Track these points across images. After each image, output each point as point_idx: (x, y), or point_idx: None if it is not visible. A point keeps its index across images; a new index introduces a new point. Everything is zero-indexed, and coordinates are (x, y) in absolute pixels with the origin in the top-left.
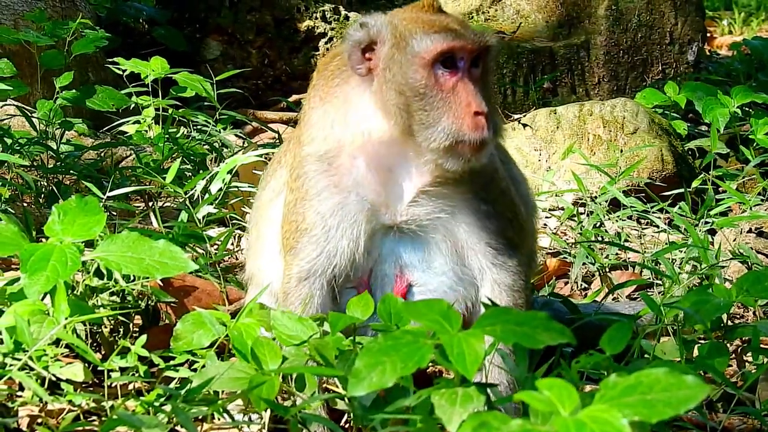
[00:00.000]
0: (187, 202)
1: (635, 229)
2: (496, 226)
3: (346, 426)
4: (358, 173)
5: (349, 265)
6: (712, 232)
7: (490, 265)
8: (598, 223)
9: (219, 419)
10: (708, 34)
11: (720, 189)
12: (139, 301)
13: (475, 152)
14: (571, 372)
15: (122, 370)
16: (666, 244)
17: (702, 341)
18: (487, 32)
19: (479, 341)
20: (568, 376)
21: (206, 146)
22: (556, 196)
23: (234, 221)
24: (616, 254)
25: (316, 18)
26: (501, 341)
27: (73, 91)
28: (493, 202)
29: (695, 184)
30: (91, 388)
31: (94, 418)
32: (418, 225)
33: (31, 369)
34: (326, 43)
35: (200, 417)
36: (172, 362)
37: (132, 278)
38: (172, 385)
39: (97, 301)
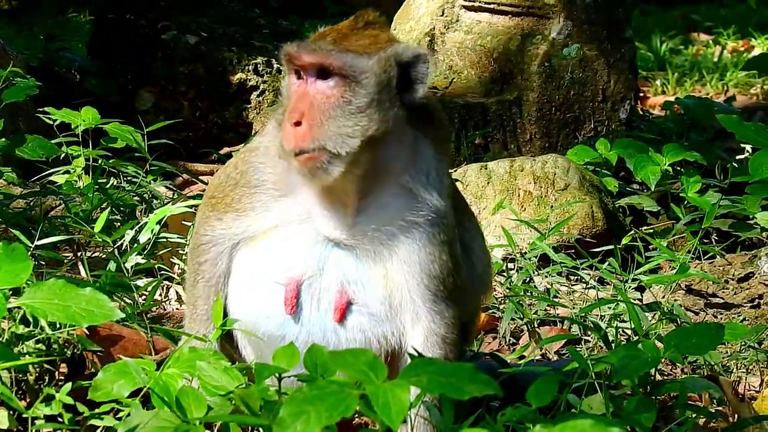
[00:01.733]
0: (116, 252)
1: (564, 286)
2: (438, 272)
3: None
4: (297, 179)
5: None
6: (642, 289)
7: (427, 312)
8: (528, 279)
9: None
10: (641, 94)
11: (650, 246)
12: (65, 349)
13: (304, 165)
14: (496, 425)
15: (47, 418)
16: (595, 300)
17: (629, 397)
18: (346, 53)
19: (404, 392)
20: (492, 428)
21: (136, 197)
22: None
23: (162, 272)
24: (545, 310)
25: (249, 71)
26: (426, 391)
27: (3, 139)
28: (440, 246)
29: (625, 240)
30: None
31: None
32: (361, 245)
33: None
34: (258, 95)
35: None
36: (97, 410)
37: (58, 326)
38: None
39: (22, 348)
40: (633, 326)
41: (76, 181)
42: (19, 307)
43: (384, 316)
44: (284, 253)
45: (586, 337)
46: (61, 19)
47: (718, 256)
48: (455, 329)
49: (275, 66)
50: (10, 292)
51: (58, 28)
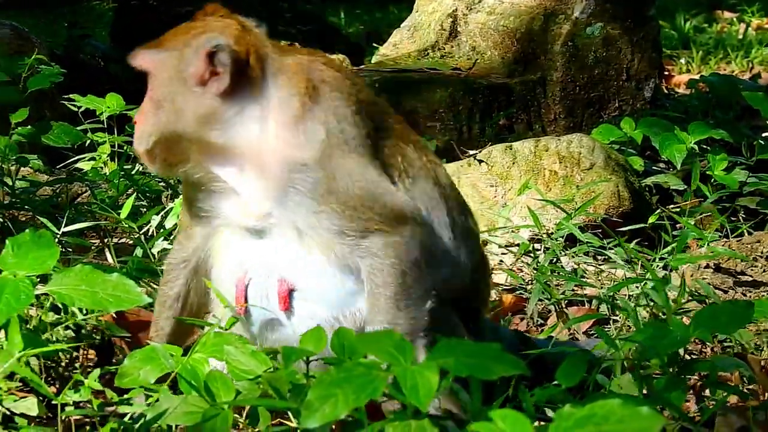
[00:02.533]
0: (142, 238)
1: (592, 265)
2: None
3: None
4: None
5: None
6: (669, 268)
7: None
8: (555, 259)
9: None
10: (666, 72)
11: (677, 225)
12: (94, 336)
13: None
14: (526, 403)
15: (76, 404)
16: (623, 279)
17: (659, 376)
18: (148, 51)
19: (433, 373)
20: (526, 405)
21: (162, 182)
22: (512, 232)
23: None
24: (573, 290)
25: None
26: (455, 373)
27: (29, 127)
28: (333, 195)
29: (652, 219)
30: (45, 423)
31: None
32: (277, 228)
33: None
34: None
35: None
36: (125, 396)
37: (85, 312)
38: (126, 419)
39: (51, 335)
40: (661, 305)
41: (102, 168)
42: (46, 294)
43: (333, 288)
44: (227, 256)
45: (615, 317)
46: (84, 7)
47: (746, 234)
48: (393, 262)
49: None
50: (38, 279)
51: (82, 15)
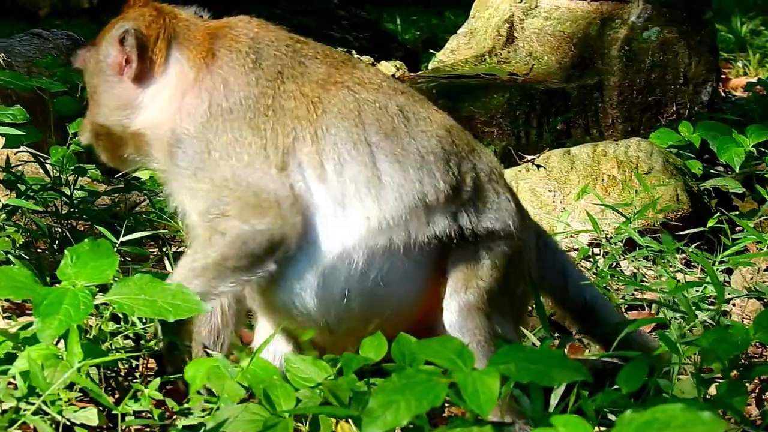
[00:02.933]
0: None
1: (651, 270)
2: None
3: None
4: None
5: None
6: (729, 271)
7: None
8: (614, 264)
9: None
10: (723, 76)
11: (737, 228)
12: (153, 345)
13: None
14: (587, 408)
15: (137, 414)
16: (682, 283)
17: (720, 380)
18: (80, 51)
19: (494, 380)
20: (587, 410)
21: None
22: (570, 237)
23: None
24: (632, 294)
25: None
26: (516, 379)
27: None
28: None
29: (711, 223)
30: None
31: None
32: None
33: (45, 413)
34: None
35: None
36: (186, 405)
37: (145, 321)
38: (186, 428)
39: (110, 344)
40: (722, 308)
41: None
42: (106, 304)
43: None
44: None
45: (675, 320)
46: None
47: None
48: (211, 231)
49: (355, 56)
50: (97, 288)
51: None
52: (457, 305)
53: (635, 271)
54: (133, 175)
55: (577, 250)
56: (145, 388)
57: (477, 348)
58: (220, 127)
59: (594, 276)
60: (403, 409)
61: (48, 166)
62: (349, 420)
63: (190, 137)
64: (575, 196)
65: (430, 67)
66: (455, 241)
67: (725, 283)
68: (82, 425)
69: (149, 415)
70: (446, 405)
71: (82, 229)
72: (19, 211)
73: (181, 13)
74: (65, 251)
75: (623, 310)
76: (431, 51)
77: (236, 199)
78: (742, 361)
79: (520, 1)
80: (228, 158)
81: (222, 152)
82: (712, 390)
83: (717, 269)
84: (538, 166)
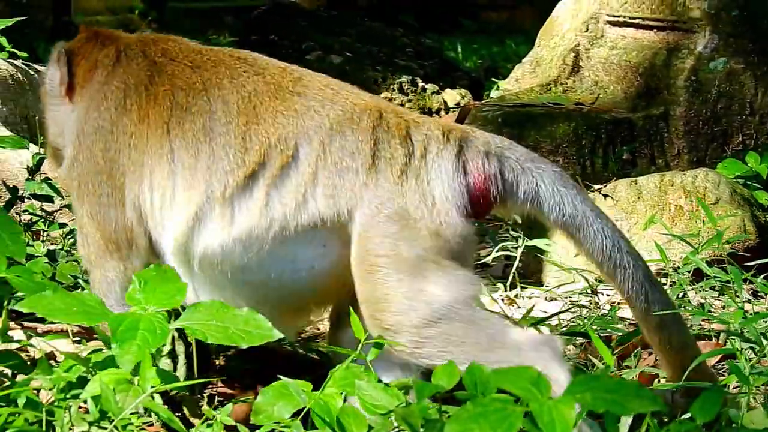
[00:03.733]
0: None
1: (719, 300)
2: None
3: None
4: None
5: None
6: None
7: None
8: (682, 294)
9: None
10: None
11: None
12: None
13: None
14: None
15: None
16: (751, 314)
17: None
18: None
19: (570, 408)
20: None
21: None
22: None
23: None
24: (700, 324)
25: (393, 89)
26: (592, 408)
27: None
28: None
29: None
30: None
31: None
32: None
33: None
34: None
35: None
36: (257, 431)
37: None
38: None
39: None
40: None
41: None
42: (179, 329)
43: None
44: None
45: (744, 351)
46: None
47: None
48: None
49: (420, 84)
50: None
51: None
52: None
53: (702, 301)
54: None
55: None
56: (217, 413)
57: None
58: (85, 158)
59: None
60: None
61: None
62: None
63: (66, 170)
64: (642, 225)
65: (494, 96)
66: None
67: None
68: None
69: None
70: None
71: None
72: None
73: (119, 36)
74: (133, 276)
75: None
76: (493, 79)
77: (90, 244)
78: None
79: (586, 31)
80: (85, 195)
81: (83, 188)
82: None
83: None
84: (605, 196)
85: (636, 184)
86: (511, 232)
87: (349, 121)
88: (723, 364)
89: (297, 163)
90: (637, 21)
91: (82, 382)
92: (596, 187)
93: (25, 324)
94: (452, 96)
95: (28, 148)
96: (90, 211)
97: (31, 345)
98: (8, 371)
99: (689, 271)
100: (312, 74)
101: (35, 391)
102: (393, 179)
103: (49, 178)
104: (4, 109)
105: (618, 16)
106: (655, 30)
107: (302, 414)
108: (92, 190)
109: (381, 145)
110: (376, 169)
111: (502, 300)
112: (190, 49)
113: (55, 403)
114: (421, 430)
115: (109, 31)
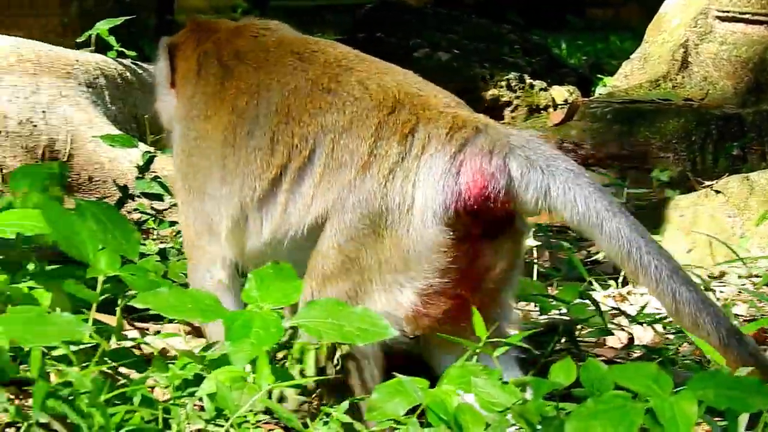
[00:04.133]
0: None
1: None
2: None
3: None
4: None
5: None
6: None
7: None
8: None
9: None
10: None
11: None
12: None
13: None
14: None
15: None
16: None
17: None
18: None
19: (691, 405)
20: None
21: None
22: (751, 263)
23: None
24: None
25: (501, 86)
26: (713, 405)
27: None
28: None
29: None
30: None
31: None
32: None
33: None
34: (511, 111)
35: None
36: (373, 429)
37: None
38: None
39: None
40: None
41: None
42: (293, 327)
43: None
44: None
45: None
46: None
47: None
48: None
49: (528, 81)
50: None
51: None
52: None
53: None
54: None
55: (757, 276)
56: (334, 411)
57: None
58: (184, 147)
59: None
60: None
61: None
62: None
63: (175, 159)
64: (755, 221)
65: (603, 92)
66: None
67: None
68: None
69: None
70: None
71: None
72: None
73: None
74: (249, 274)
75: None
76: (598, 75)
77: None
78: None
79: (695, 26)
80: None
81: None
82: None
83: None
84: (717, 192)
85: (748, 180)
86: None
87: (360, 117)
88: None
89: (311, 163)
90: (746, 16)
91: (198, 379)
92: (707, 183)
93: (137, 324)
94: (560, 92)
95: (137, 147)
96: (183, 199)
97: (146, 343)
98: (124, 369)
99: None
100: (365, 67)
101: (150, 389)
102: (378, 179)
103: (159, 177)
104: (113, 108)
105: (727, 12)
106: (765, 25)
107: (417, 411)
108: (187, 185)
109: (379, 143)
110: (367, 168)
111: (614, 297)
112: (262, 46)
113: (171, 401)
114: (539, 427)
115: (211, 22)
